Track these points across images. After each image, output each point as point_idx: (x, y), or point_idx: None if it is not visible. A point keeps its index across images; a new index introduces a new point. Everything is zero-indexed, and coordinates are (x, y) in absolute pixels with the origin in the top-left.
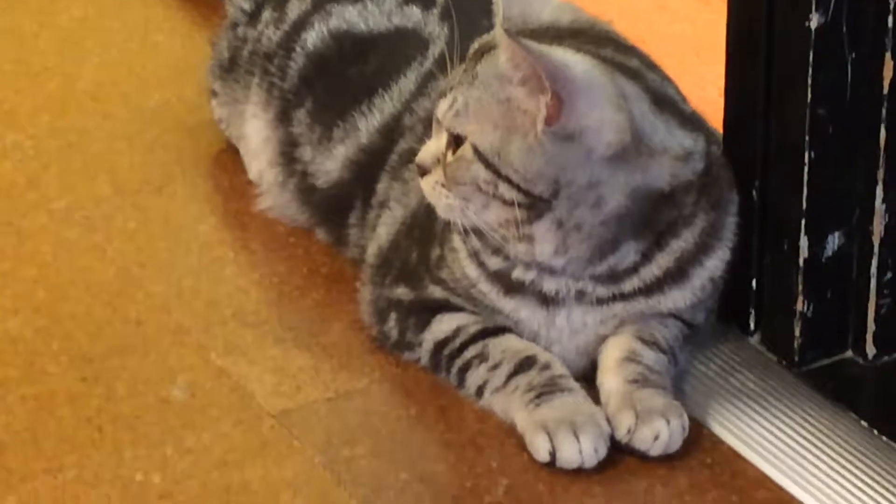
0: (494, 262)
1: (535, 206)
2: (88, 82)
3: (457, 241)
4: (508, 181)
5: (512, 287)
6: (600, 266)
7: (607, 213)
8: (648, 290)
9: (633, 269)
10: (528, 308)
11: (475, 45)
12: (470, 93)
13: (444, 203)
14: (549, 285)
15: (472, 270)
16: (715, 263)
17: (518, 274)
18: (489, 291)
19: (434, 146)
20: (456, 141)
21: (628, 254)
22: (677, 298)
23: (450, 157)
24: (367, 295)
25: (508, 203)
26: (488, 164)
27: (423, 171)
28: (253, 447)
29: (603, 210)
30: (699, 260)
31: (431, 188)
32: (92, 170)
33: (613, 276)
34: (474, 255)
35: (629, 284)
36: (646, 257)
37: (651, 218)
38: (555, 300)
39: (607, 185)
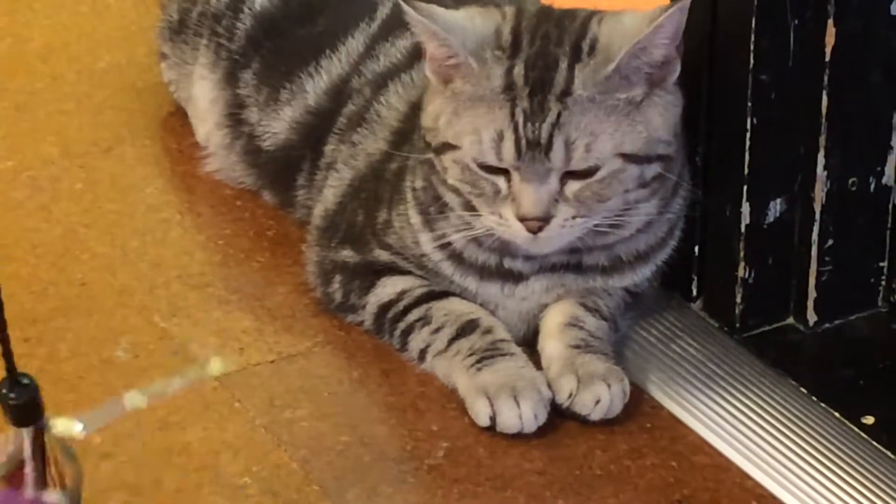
0: (462, 245)
1: (669, 165)
2: (38, 44)
3: (415, 218)
4: (659, 158)
5: (471, 266)
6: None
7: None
8: (610, 269)
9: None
10: (484, 285)
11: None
12: (579, 122)
13: (578, 231)
14: (515, 265)
15: (436, 255)
16: (674, 244)
17: (484, 258)
18: (446, 268)
19: (545, 191)
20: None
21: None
22: (634, 278)
23: (576, 186)
24: (313, 256)
25: (647, 183)
26: (638, 159)
27: (544, 222)
28: (195, 409)
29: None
30: (666, 242)
31: (561, 227)
32: (40, 131)
33: (577, 250)
34: (439, 238)
35: (591, 259)
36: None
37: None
38: (513, 276)
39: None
